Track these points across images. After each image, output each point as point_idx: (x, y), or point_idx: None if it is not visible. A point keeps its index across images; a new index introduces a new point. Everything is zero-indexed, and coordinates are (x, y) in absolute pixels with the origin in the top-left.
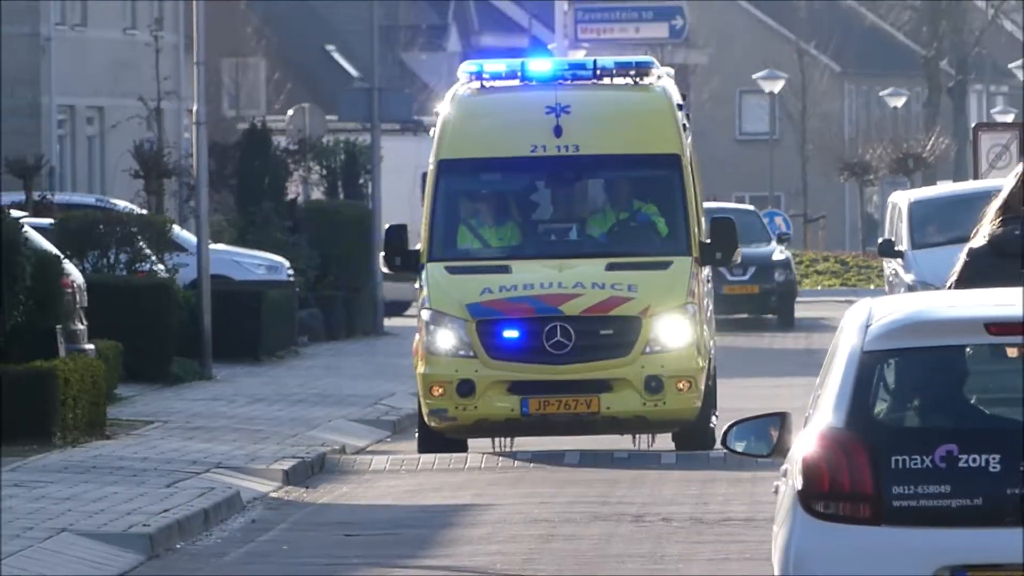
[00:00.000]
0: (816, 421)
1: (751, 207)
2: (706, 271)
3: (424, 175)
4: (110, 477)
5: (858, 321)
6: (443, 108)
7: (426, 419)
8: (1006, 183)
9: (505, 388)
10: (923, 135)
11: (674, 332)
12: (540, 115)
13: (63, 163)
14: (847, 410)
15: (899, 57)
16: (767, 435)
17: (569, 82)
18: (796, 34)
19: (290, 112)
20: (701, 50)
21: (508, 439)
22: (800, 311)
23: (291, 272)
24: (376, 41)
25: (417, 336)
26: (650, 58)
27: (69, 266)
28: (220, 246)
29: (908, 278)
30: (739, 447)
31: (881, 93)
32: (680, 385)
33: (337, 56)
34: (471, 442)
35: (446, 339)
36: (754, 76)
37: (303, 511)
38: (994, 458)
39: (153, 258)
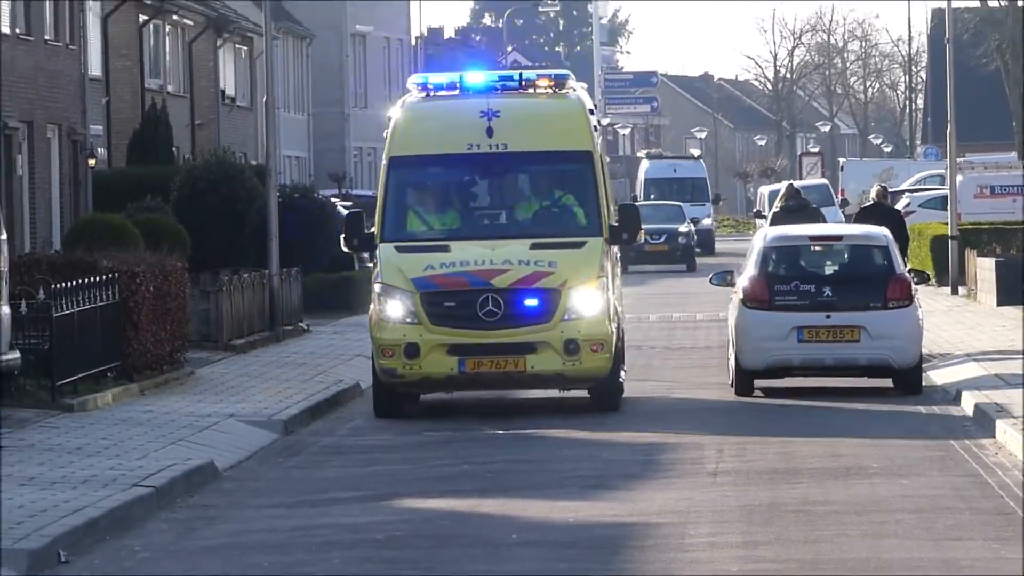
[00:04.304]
0: (746, 272)
1: (678, 203)
2: (615, 249)
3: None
4: None
5: (761, 236)
6: (394, 113)
7: (379, 376)
8: (782, 188)
9: (445, 350)
10: (775, 158)
11: (588, 302)
12: (475, 118)
13: (356, 175)
14: (758, 268)
15: (763, 120)
16: (727, 277)
17: (500, 91)
18: (712, 109)
19: None
20: (665, 117)
21: (448, 393)
22: (718, 246)
23: None
24: None
25: (372, 305)
26: (567, 71)
27: None
28: None
29: (768, 227)
30: (715, 282)
31: (754, 138)
32: (594, 347)
33: None
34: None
35: (395, 308)
36: (692, 129)
37: None
38: (809, 285)
39: None
